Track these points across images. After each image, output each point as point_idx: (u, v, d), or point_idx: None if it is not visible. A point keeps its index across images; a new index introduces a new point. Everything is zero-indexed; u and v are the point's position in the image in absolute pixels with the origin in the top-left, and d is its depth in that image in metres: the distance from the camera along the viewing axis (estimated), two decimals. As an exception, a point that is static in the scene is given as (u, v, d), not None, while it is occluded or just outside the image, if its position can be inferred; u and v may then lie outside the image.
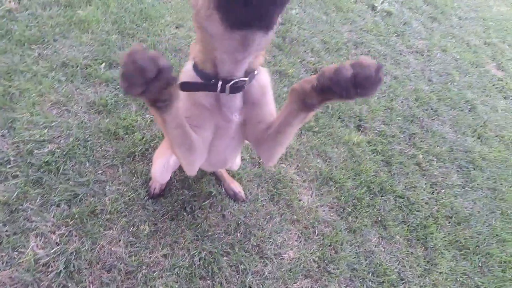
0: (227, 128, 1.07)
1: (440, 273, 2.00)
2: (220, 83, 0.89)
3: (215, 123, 1.05)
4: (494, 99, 3.34)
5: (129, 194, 1.83)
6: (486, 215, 2.38)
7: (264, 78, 1.06)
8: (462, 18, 4.36)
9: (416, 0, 4.30)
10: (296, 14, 3.42)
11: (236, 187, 1.96)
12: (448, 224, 2.26)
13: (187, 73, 0.97)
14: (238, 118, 1.05)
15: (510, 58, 3.93)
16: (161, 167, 1.56)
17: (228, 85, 0.90)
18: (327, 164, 2.30)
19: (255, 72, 0.96)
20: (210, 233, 1.80)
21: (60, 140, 1.92)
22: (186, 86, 0.92)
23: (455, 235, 2.20)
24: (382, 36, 3.55)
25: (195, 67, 0.94)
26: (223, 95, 0.97)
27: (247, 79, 0.92)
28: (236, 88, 0.92)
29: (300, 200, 2.08)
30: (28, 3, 2.51)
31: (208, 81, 0.91)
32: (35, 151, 1.83)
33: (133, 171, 1.91)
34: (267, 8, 0.66)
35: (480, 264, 2.11)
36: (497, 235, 2.27)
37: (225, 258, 1.75)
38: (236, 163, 1.81)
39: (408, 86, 3.11)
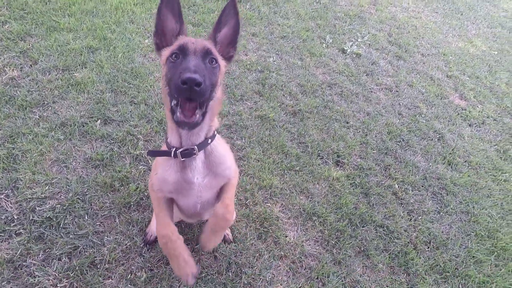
0: (189, 189, 1.36)
1: (423, 297, 2.13)
2: (173, 150, 1.26)
3: (181, 190, 1.35)
4: (460, 127, 3.66)
5: (126, 242, 1.96)
6: (462, 238, 2.55)
7: (220, 148, 1.38)
8: (425, 54, 4.82)
9: (382, 41, 4.78)
10: (274, 61, 3.78)
11: (225, 229, 2.11)
12: (427, 249, 2.41)
13: (163, 147, 1.40)
14: (200, 180, 1.34)
15: (471, 88, 4.34)
16: None
17: (178, 152, 1.25)
18: (310, 200, 2.48)
19: (209, 141, 1.31)
20: (203, 275, 1.92)
21: (61, 196, 2.07)
22: (153, 153, 1.38)
23: (435, 259, 2.35)
24: (353, 76, 3.91)
25: (167, 142, 1.33)
26: (187, 162, 1.30)
27: (195, 147, 1.26)
28: (188, 154, 1.27)
29: (286, 236, 2.23)
30: (29, 70, 2.77)
31: (169, 150, 1.28)
32: (37, 208, 1.97)
33: (129, 220, 2.06)
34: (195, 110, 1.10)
35: (460, 286, 2.24)
36: (473, 256, 2.43)
37: (218, 298, 1.85)
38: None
39: (380, 120, 3.41)
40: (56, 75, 2.80)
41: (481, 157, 3.32)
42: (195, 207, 1.46)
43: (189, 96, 1.02)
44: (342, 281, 2.09)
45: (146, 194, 2.22)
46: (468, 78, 4.56)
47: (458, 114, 3.85)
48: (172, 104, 1.12)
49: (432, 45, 5.14)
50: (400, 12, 5.87)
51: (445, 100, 4.02)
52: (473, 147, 3.42)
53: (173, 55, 1.15)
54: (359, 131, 3.21)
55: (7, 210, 1.93)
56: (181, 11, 1.23)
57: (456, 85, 4.33)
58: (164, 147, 1.39)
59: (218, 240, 1.41)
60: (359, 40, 4.60)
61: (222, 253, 2.05)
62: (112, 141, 2.46)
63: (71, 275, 1.76)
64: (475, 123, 3.78)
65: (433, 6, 6.51)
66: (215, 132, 1.35)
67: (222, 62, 1.25)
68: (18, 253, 1.77)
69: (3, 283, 1.66)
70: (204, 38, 1.27)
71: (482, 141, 3.55)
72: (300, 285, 2.01)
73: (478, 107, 4.05)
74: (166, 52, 1.21)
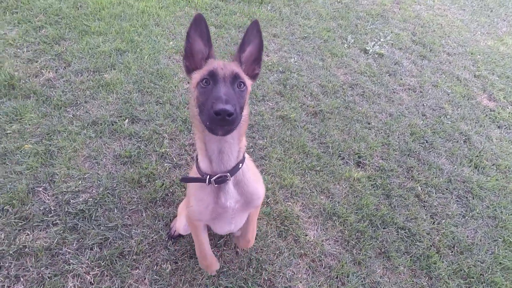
0: (224, 213, 1.43)
1: (446, 302, 2.09)
2: (208, 177, 1.30)
3: (215, 215, 1.42)
4: (488, 129, 3.53)
5: (152, 236, 2.06)
6: (488, 243, 2.48)
7: (250, 175, 1.43)
8: (451, 54, 4.68)
9: (405, 40, 4.68)
10: (295, 62, 3.80)
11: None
12: (450, 254, 2.36)
13: (193, 171, 1.44)
14: (233, 205, 1.40)
15: (500, 88, 4.17)
16: (184, 223, 1.84)
17: (212, 179, 1.29)
18: (330, 200, 2.49)
19: (240, 166, 1.35)
20: (225, 269, 1.98)
21: (92, 190, 2.20)
22: (186, 180, 1.44)
23: (458, 264, 2.30)
24: (375, 77, 3.87)
25: (197, 167, 1.37)
26: (221, 188, 1.36)
27: (228, 174, 1.31)
28: (221, 181, 1.32)
29: (306, 235, 2.26)
30: (63, 71, 2.95)
31: (202, 177, 1.33)
32: (72, 201, 2.11)
33: (155, 215, 2.15)
34: (225, 130, 1.12)
35: (486, 293, 2.18)
36: (500, 263, 2.35)
37: (239, 293, 1.91)
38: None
39: (403, 121, 3.35)
40: (87, 76, 2.97)
41: (511, 160, 3.20)
42: (229, 228, 1.57)
43: (221, 125, 1.08)
44: (362, 281, 2.09)
45: (171, 190, 2.31)
46: (497, 78, 4.38)
47: (486, 115, 3.71)
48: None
49: (459, 43, 4.98)
50: (424, 10, 5.72)
51: (472, 101, 3.89)
52: (502, 150, 3.30)
53: (204, 81, 1.19)
54: (381, 132, 3.18)
55: (45, 202, 2.08)
56: (210, 35, 1.28)
57: (484, 85, 4.18)
58: (193, 170, 1.44)
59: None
60: (381, 40, 4.53)
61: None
62: (139, 139, 2.57)
63: (102, 264, 1.87)
64: (505, 125, 3.64)
65: (460, 3, 6.30)
66: (245, 155, 1.39)
67: (248, 82, 1.30)
68: (55, 242, 1.91)
69: (42, 269, 1.79)
70: (230, 60, 1.32)
71: (512, 144, 3.41)
72: (319, 284, 2.03)
73: (508, 108, 3.89)
74: (196, 75, 1.26)
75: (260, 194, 1.49)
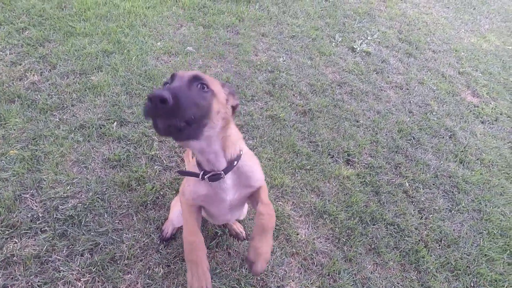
0: (221, 204, 1.42)
1: (434, 295, 2.15)
2: (201, 173, 1.29)
3: (212, 202, 1.41)
4: (472, 125, 3.62)
5: (144, 240, 2.05)
6: (474, 236, 2.55)
7: (249, 164, 1.39)
8: (436, 51, 4.78)
9: (392, 39, 4.75)
10: (284, 61, 3.82)
11: (238, 227, 2.18)
12: (438, 247, 2.43)
13: (193, 166, 1.39)
14: (232, 197, 1.40)
15: (483, 84, 4.28)
16: (177, 214, 1.84)
17: (206, 176, 1.28)
18: (321, 199, 2.52)
19: (234, 163, 1.31)
20: (218, 271, 1.99)
21: (81, 195, 2.17)
22: (183, 173, 1.49)
23: (446, 257, 2.36)
24: (363, 75, 3.92)
25: (197, 162, 1.33)
26: (219, 183, 1.34)
27: (222, 172, 1.28)
28: (215, 178, 1.30)
29: (298, 234, 2.28)
30: (48, 74, 2.89)
31: (197, 172, 1.31)
32: (60, 207, 2.08)
33: (146, 219, 2.14)
34: (165, 124, 0.94)
35: (472, 284, 2.25)
36: (485, 255, 2.43)
37: (232, 293, 1.92)
38: (242, 213, 2.01)
39: (391, 119, 3.41)
40: (74, 79, 2.92)
41: (494, 154, 3.30)
42: (226, 216, 1.55)
43: (154, 115, 0.93)
44: (353, 278, 2.13)
45: (161, 193, 2.30)
46: (480, 74, 4.50)
47: (470, 111, 3.81)
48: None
49: (444, 41, 5.08)
50: (410, 8, 5.81)
51: (457, 97, 3.98)
52: (485, 145, 3.39)
53: (165, 85, 1.09)
54: (369, 130, 3.23)
55: (32, 209, 2.04)
56: None
57: (468, 82, 4.29)
58: (193, 162, 1.41)
59: (270, 241, 1.33)
60: (368, 38, 4.59)
61: (235, 250, 2.12)
62: (128, 142, 2.55)
63: (93, 270, 1.86)
64: (488, 120, 3.74)
65: (444, 1, 6.42)
66: (241, 152, 1.33)
67: (221, 94, 1.16)
68: (44, 249, 1.88)
69: (31, 277, 1.77)
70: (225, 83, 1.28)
71: (495, 139, 3.51)
72: (311, 282, 2.06)
73: (491, 103, 4.00)
74: None
75: (258, 177, 1.43)
